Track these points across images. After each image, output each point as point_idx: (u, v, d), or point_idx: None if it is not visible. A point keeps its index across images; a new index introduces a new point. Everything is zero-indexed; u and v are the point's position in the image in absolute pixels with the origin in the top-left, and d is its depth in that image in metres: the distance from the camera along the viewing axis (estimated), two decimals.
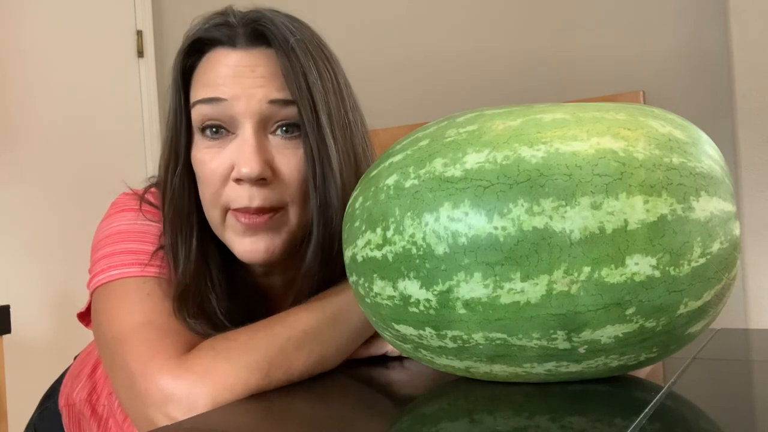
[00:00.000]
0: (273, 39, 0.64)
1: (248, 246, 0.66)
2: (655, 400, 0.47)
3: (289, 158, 0.65)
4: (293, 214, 0.67)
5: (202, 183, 0.67)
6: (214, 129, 0.65)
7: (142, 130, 2.52)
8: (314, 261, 0.67)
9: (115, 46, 2.46)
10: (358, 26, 2.23)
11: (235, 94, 0.63)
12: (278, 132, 0.66)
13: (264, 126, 0.65)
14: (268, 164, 0.64)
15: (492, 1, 2.03)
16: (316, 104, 0.64)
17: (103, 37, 2.42)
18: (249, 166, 0.62)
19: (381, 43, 2.20)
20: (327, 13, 2.29)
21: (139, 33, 2.52)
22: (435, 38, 2.12)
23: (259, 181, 0.64)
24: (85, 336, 0.97)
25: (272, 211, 0.65)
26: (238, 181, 0.64)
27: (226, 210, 0.66)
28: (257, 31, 0.65)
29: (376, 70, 2.17)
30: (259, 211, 0.64)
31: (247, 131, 0.64)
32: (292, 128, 0.65)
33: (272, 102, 0.64)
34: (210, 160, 0.65)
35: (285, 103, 0.64)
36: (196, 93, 0.66)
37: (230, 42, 0.65)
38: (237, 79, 0.64)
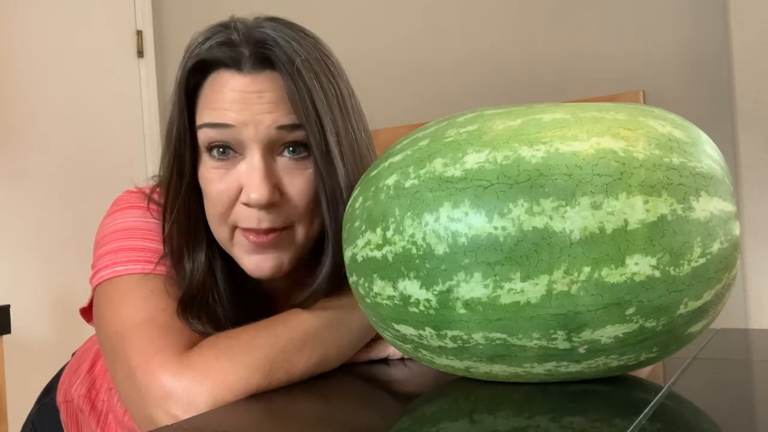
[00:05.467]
0: (278, 63, 0.63)
1: (257, 263, 0.66)
2: (655, 400, 0.47)
3: (297, 179, 0.65)
4: (300, 232, 0.67)
5: (209, 201, 0.66)
6: (221, 149, 0.65)
7: (142, 130, 2.52)
8: (325, 282, 0.67)
9: (115, 46, 2.46)
10: (358, 26, 2.23)
11: (243, 120, 0.63)
12: (286, 153, 0.65)
13: (271, 149, 0.65)
14: (277, 187, 0.64)
15: (492, 2, 2.03)
16: (323, 126, 0.64)
17: (103, 37, 2.42)
18: (258, 192, 0.62)
19: (381, 44, 2.20)
20: (328, 13, 2.28)
21: (139, 33, 2.52)
22: (435, 38, 2.12)
23: (268, 205, 0.64)
24: (84, 335, 0.97)
25: (280, 230, 0.65)
26: (247, 204, 0.64)
27: (234, 228, 0.66)
28: (263, 55, 0.64)
29: (377, 70, 2.17)
30: (268, 231, 0.64)
31: (255, 156, 0.64)
32: (299, 149, 0.65)
33: (280, 128, 0.64)
34: (218, 180, 0.65)
35: (293, 127, 0.64)
36: (203, 116, 0.65)
37: (235, 65, 0.64)
38: (245, 105, 0.63)
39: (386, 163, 0.53)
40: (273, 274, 0.66)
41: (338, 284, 0.68)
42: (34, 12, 2.22)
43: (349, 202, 0.57)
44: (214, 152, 0.65)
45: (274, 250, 0.66)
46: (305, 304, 0.67)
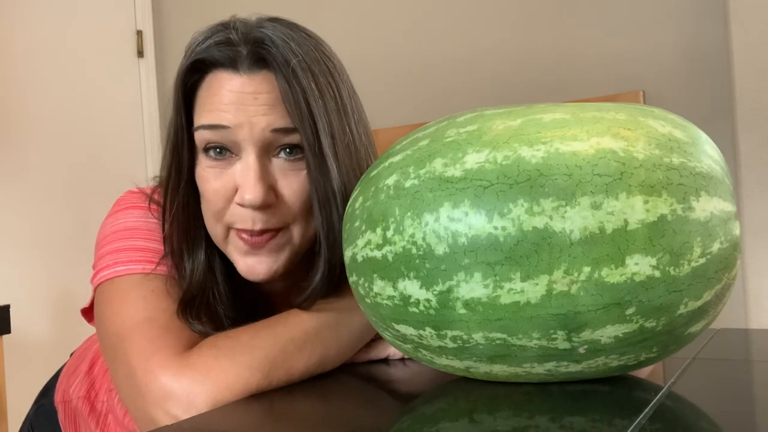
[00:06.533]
0: (274, 64, 0.63)
1: (250, 265, 0.66)
2: (655, 400, 0.47)
3: (292, 181, 0.65)
4: (296, 233, 0.67)
5: (205, 200, 0.67)
6: (217, 150, 0.65)
7: (142, 130, 2.52)
8: (321, 284, 0.67)
9: (115, 46, 2.46)
10: (358, 26, 2.23)
11: (238, 122, 0.63)
12: (281, 154, 0.65)
13: (267, 150, 0.65)
14: (272, 189, 0.64)
15: (492, 2, 2.03)
16: (317, 129, 0.63)
17: (103, 37, 2.42)
18: (253, 193, 0.62)
19: (381, 43, 2.20)
20: (328, 13, 2.28)
21: (139, 33, 2.52)
22: (435, 38, 2.12)
23: (263, 206, 0.64)
24: (84, 335, 0.97)
25: (275, 231, 0.65)
26: (241, 205, 0.64)
27: (229, 228, 0.66)
28: (259, 55, 0.64)
29: (377, 69, 2.17)
30: (262, 232, 0.64)
31: (250, 157, 0.64)
32: (295, 150, 0.65)
33: (275, 130, 0.64)
34: (214, 179, 0.65)
35: (288, 130, 0.64)
36: (200, 117, 0.65)
37: (232, 65, 0.64)
38: (240, 107, 0.63)
39: (386, 163, 0.53)
40: (266, 277, 0.66)
41: (335, 285, 0.68)
42: (34, 12, 2.21)
43: (349, 202, 0.57)
44: (211, 152, 0.65)
45: (267, 254, 0.66)
46: (303, 306, 0.67)
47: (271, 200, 0.64)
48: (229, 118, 0.63)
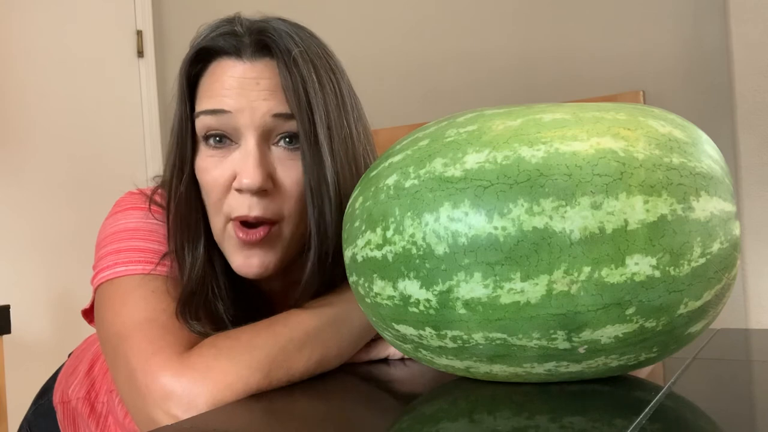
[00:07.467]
0: (276, 51, 0.65)
1: (243, 260, 0.66)
2: (655, 400, 0.47)
3: (290, 170, 0.66)
4: (288, 229, 0.67)
5: (205, 190, 0.67)
6: (217, 138, 0.66)
7: (142, 130, 2.52)
8: (312, 276, 0.67)
9: (115, 46, 2.46)
10: (358, 26, 2.23)
11: (239, 106, 0.64)
12: (281, 143, 0.66)
13: (267, 137, 0.65)
14: (270, 176, 0.65)
15: (492, 2, 2.03)
16: (314, 118, 0.64)
17: (103, 37, 2.42)
18: (251, 177, 0.63)
19: (381, 43, 2.20)
20: (328, 13, 2.28)
21: (139, 33, 2.52)
22: (435, 38, 2.12)
23: (260, 192, 0.64)
24: (84, 335, 0.97)
25: (268, 225, 0.66)
26: (239, 190, 0.64)
27: (228, 219, 0.66)
28: (262, 43, 0.65)
29: (377, 70, 2.17)
30: (257, 221, 0.65)
31: (250, 143, 0.64)
32: (294, 139, 0.66)
33: (276, 116, 0.64)
34: (213, 168, 0.66)
35: (289, 116, 0.64)
36: (201, 103, 0.66)
37: (236, 52, 0.65)
38: (241, 92, 0.64)
39: (386, 163, 0.53)
40: (259, 273, 0.67)
41: (330, 278, 0.68)
42: (34, 12, 2.21)
43: (349, 202, 0.57)
44: (211, 141, 0.66)
45: (260, 248, 0.66)
46: (299, 302, 0.67)
47: (268, 186, 0.65)
48: (230, 103, 0.64)
